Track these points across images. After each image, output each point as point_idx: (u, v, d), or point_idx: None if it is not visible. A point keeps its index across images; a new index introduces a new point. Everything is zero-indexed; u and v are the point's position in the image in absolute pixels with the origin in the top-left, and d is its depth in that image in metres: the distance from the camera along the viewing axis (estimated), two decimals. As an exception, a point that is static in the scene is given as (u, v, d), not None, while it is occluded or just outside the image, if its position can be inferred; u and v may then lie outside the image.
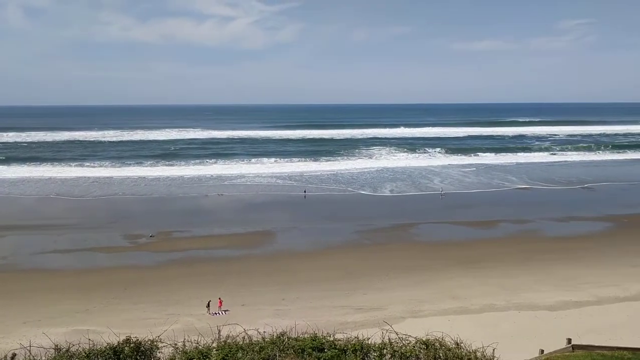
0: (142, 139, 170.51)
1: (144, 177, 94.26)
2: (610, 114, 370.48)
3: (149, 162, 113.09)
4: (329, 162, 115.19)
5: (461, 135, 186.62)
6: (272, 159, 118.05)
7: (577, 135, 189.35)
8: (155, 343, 10.59)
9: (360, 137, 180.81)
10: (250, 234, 55.28)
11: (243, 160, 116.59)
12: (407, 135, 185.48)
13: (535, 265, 43.94)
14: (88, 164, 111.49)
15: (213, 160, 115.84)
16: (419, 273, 42.32)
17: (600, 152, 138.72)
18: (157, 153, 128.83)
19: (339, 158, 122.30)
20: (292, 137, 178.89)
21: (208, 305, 35.44)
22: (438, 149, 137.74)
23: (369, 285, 39.67)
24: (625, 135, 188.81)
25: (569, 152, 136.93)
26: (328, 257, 47.06)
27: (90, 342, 10.55)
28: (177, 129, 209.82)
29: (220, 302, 35.87)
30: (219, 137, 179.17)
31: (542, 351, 19.17)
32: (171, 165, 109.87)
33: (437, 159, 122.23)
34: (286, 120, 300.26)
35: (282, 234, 55.45)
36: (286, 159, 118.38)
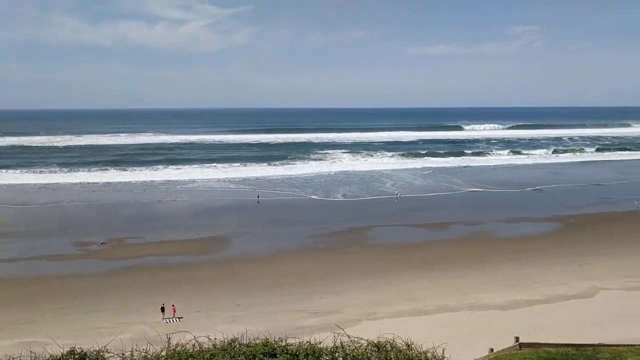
0: (92, 143, 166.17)
1: (95, 183, 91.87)
2: (557, 117, 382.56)
3: (99, 168, 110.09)
4: (284, 167, 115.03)
5: (414, 139, 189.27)
6: (226, 164, 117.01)
7: (526, 138, 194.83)
8: (101, 353, 10.19)
9: (315, 141, 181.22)
10: (205, 240, 54.54)
11: (197, 165, 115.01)
12: (362, 139, 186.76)
13: (487, 265, 44.87)
14: (35, 169, 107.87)
15: (166, 165, 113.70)
16: (375, 276, 42.63)
17: (549, 155, 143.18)
18: (109, 158, 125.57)
19: (293, 162, 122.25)
20: (247, 141, 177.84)
21: (162, 310, 34.80)
22: (392, 153, 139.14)
23: (324, 289, 39.67)
24: (571, 138, 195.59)
25: (520, 155, 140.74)
26: (283, 262, 46.87)
27: (33, 355, 10.09)
28: (129, 134, 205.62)
29: (174, 309, 35.22)
30: (172, 141, 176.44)
31: (492, 350, 19.53)
32: (123, 170, 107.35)
33: (390, 163, 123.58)
34: (241, 124, 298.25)
35: (237, 239, 54.93)
36: (240, 164, 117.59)
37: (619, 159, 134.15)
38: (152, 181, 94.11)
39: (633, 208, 68.49)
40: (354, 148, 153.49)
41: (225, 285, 40.83)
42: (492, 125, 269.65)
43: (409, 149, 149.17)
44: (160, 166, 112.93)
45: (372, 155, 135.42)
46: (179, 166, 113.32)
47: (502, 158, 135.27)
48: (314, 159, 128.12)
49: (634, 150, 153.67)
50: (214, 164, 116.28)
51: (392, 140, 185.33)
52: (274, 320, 33.21)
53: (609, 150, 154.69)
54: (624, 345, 19.35)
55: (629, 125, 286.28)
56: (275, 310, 35.46)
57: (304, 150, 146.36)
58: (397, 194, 78.63)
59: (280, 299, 37.67)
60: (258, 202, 74.86)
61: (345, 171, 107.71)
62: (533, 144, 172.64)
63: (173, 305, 35.40)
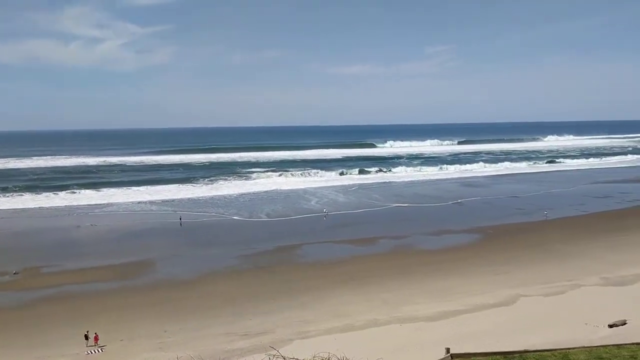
0: (2, 167, 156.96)
1: (6, 210, 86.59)
2: (475, 133, 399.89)
3: (11, 193, 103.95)
4: (207, 187, 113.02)
5: (340, 156, 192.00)
6: (148, 186, 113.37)
7: (447, 154, 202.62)
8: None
9: (239, 160, 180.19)
10: (127, 265, 52.51)
11: (117, 188, 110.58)
12: (286, 158, 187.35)
13: (413, 278, 45.79)
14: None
15: (84, 189, 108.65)
16: (305, 293, 42.47)
17: (469, 169, 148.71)
18: (22, 183, 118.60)
19: (216, 182, 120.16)
20: (169, 161, 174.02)
21: (86, 337, 33.12)
22: (314, 171, 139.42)
23: (254, 309, 39.10)
24: (488, 152, 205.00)
25: (439, 170, 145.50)
26: (211, 284, 45.88)
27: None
28: (43, 156, 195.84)
29: (97, 338, 33.54)
30: (90, 163, 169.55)
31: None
32: (38, 195, 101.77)
33: (315, 181, 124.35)
34: (163, 144, 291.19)
35: (161, 262, 53.29)
36: (162, 185, 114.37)
37: (533, 171, 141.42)
38: (69, 206, 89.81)
39: (543, 218, 72.12)
40: (279, 166, 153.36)
41: (151, 311, 39.41)
42: (414, 142, 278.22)
43: (333, 167, 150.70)
44: (78, 190, 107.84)
45: (296, 174, 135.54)
46: (98, 189, 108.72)
47: (424, 173, 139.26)
48: (238, 179, 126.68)
49: (547, 163, 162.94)
50: (135, 186, 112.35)
51: (316, 158, 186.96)
52: (203, 345, 32.36)
53: (521, 162, 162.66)
54: (547, 350, 20.21)
55: (540, 140, 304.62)
56: (204, 335, 34.54)
57: (227, 170, 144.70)
58: (325, 212, 79.11)
59: (209, 322, 36.76)
60: (181, 224, 73.05)
61: (271, 190, 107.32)
62: (454, 159, 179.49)
63: (96, 334, 33.72)
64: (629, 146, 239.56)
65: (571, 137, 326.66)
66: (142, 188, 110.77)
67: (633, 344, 20.54)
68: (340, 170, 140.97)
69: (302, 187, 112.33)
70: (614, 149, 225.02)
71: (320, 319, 36.77)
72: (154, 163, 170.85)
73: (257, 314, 38.14)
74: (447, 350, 20.77)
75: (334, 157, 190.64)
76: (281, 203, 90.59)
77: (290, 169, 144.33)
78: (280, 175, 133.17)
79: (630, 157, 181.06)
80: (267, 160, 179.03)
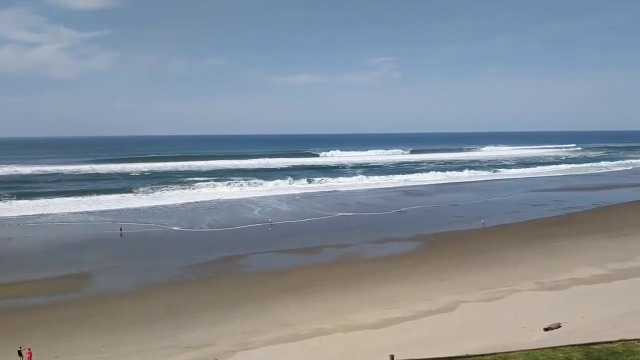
0: None
1: None
2: (415, 143, 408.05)
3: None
4: (148, 196, 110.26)
5: (283, 165, 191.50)
6: (85, 196, 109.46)
7: (390, 163, 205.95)
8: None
9: (181, 169, 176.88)
10: (63, 278, 50.54)
11: (52, 197, 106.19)
12: (229, 167, 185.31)
13: (358, 286, 46.09)
14: None
15: (16, 198, 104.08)
16: (249, 304, 42.02)
17: (410, 178, 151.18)
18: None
19: (158, 192, 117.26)
20: (108, 170, 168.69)
21: (20, 354, 31.59)
22: (258, 180, 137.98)
23: (197, 321, 38.33)
24: (430, 162, 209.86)
25: (383, 179, 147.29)
26: (152, 297, 44.73)
27: None
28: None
29: (30, 354, 32.02)
30: (24, 172, 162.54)
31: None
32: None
33: (259, 190, 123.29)
34: (102, 153, 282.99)
35: (100, 275, 51.57)
36: (101, 195, 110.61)
37: (473, 180, 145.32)
38: (0, 217, 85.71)
39: (480, 225, 74.18)
40: (222, 175, 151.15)
41: (88, 325, 38.00)
42: (358, 152, 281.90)
43: (277, 176, 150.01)
44: (10, 199, 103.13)
45: (240, 183, 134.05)
46: (32, 199, 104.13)
47: (368, 182, 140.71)
48: (180, 188, 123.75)
49: (486, 172, 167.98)
50: (72, 196, 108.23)
51: (260, 167, 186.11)
52: (144, 359, 31.43)
53: (462, 171, 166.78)
54: (488, 355, 20.70)
55: (478, 150, 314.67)
56: (145, 348, 33.56)
57: (169, 179, 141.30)
58: (270, 221, 78.55)
59: (150, 335, 35.77)
60: (121, 235, 71.00)
61: (214, 199, 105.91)
62: (397, 168, 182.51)
63: (29, 350, 32.18)
64: (562, 155, 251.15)
65: (508, 147, 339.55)
66: (80, 198, 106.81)
67: (567, 345, 21.31)
68: (285, 180, 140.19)
69: (246, 196, 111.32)
70: (548, 158, 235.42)
71: (264, 329, 36.43)
72: (93, 172, 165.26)
73: (200, 326, 37.40)
74: (392, 357, 20.98)
75: (277, 166, 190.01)
76: (224, 213, 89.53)
77: (234, 178, 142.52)
78: (224, 184, 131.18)
79: (563, 166, 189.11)
80: (210, 169, 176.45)
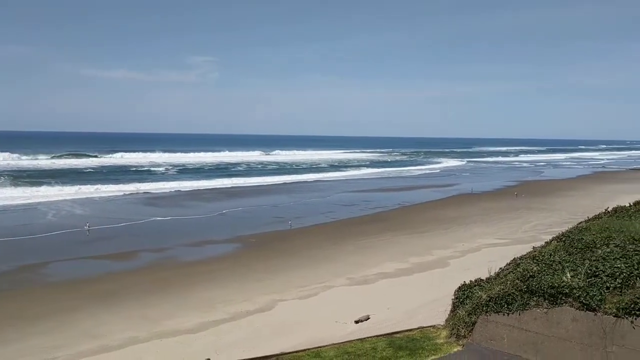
0: None
1: None
2: (226, 144, 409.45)
3: None
4: None
5: (80, 166, 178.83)
6: None
7: (206, 165, 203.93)
8: None
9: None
10: None
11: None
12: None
13: (175, 291, 44.84)
14: None
15: None
16: (52, 317, 38.55)
17: (229, 179, 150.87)
18: None
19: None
20: None
21: None
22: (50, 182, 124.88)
23: (-10, 339, 34.21)
24: (247, 163, 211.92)
25: (201, 181, 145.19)
26: None
27: None
28: None
29: None
30: None
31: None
32: None
33: (52, 195, 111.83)
34: None
35: None
36: None
37: (288, 181, 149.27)
38: None
39: (300, 225, 76.87)
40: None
41: None
42: (179, 154, 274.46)
43: (70, 181, 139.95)
44: None
45: (29, 184, 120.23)
46: None
47: (184, 184, 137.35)
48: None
49: (298, 175, 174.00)
50: None
51: (51, 168, 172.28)
52: None
53: (274, 176, 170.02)
54: (302, 350, 21.44)
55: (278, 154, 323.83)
56: None
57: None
58: (87, 226, 72.26)
59: None
60: None
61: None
62: (215, 169, 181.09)
63: None
64: (368, 159, 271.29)
65: (326, 151, 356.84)
66: None
67: (374, 336, 22.91)
68: (83, 183, 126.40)
69: (37, 200, 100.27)
70: (355, 161, 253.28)
71: (71, 342, 33.72)
72: None
73: (-6, 344, 33.46)
74: (207, 360, 20.75)
75: (71, 167, 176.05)
76: (21, 219, 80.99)
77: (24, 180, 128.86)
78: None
79: (370, 169, 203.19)
80: None
